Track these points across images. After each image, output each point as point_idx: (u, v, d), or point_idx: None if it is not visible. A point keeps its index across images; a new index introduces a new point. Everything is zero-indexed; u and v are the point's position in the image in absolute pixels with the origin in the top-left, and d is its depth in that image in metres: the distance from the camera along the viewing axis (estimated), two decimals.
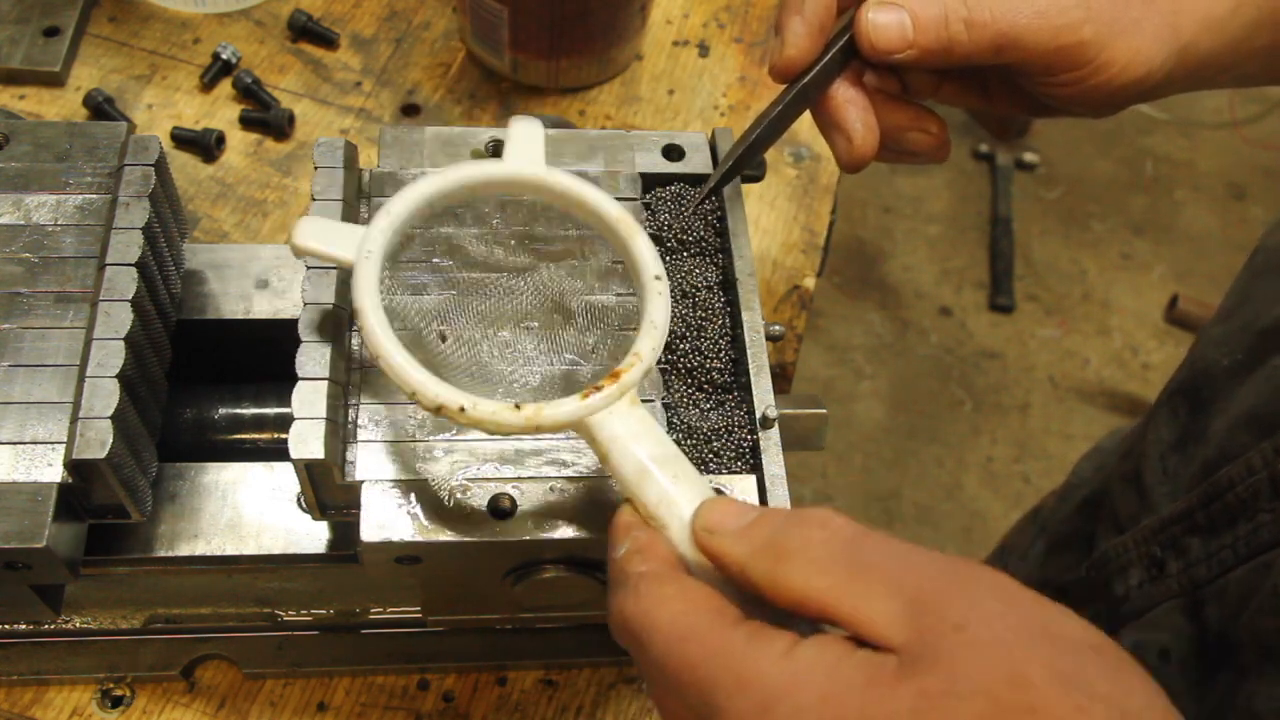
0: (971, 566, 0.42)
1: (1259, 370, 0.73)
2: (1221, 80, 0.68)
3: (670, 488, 0.48)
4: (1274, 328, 0.74)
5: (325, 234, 0.53)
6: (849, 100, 0.64)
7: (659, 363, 0.61)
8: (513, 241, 0.60)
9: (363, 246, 0.51)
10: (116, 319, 0.58)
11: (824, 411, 0.69)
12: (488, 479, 0.56)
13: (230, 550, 0.63)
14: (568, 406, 0.49)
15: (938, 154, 0.68)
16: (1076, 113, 0.66)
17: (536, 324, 0.58)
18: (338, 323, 0.58)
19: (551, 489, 0.57)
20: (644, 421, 0.50)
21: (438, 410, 0.48)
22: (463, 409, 0.48)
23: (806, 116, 0.67)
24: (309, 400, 0.55)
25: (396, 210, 0.53)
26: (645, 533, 0.48)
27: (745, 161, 0.66)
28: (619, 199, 0.66)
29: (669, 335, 0.62)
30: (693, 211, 0.66)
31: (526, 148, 0.57)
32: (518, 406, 0.48)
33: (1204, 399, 0.79)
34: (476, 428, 0.49)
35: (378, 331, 0.49)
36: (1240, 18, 0.64)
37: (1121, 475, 0.88)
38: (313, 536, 0.64)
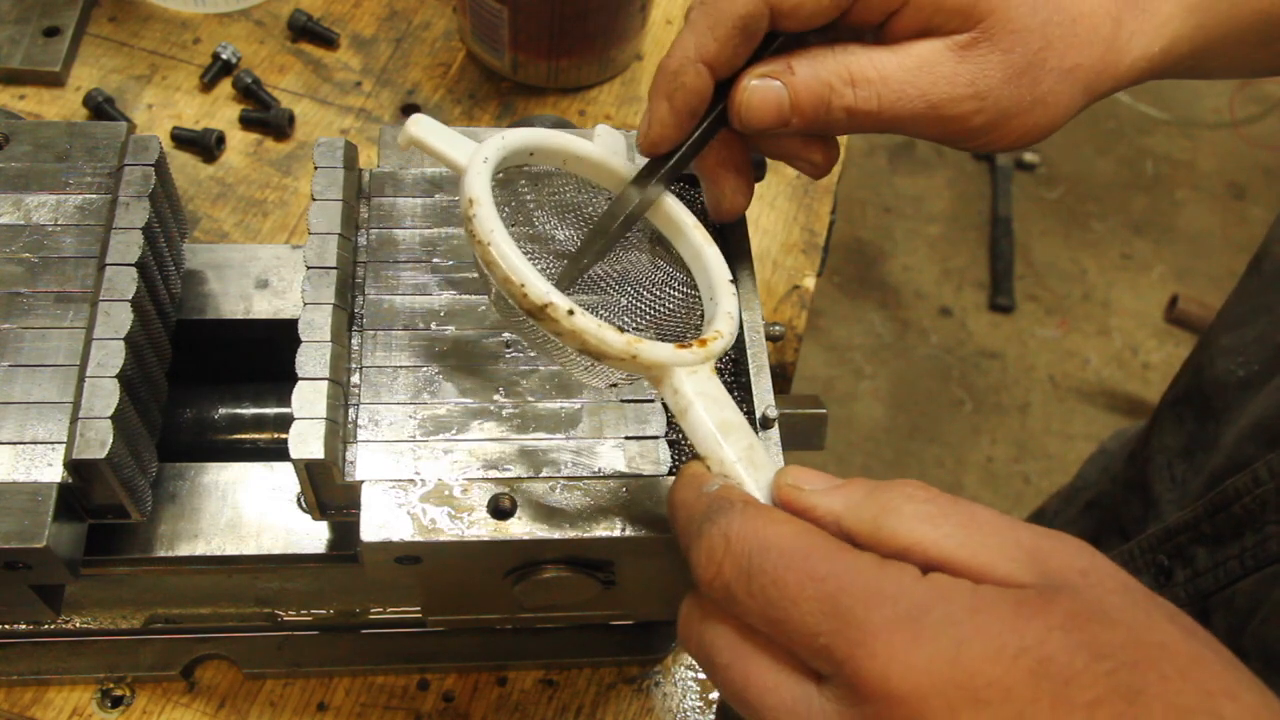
0: (1065, 534, 0.42)
1: (1274, 381, 0.73)
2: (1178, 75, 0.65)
3: (754, 448, 0.48)
4: None
5: (438, 133, 0.54)
6: (722, 162, 0.60)
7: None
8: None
9: (479, 153, 0.53)
10: (116, 319, 0.58)
11: (824, 411, 0.69)
12: (488, 479, 0.56)
13: (230, 550, 0.63)
14: (664, 349, 0.49)
15: (820, 176, 0.63)
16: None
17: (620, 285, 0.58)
18: (338, 323, 0.58)
19: (551, 489, 0.56)
20: (724, 392, 0.51)
21: (543, 309, 0.48)
22: (571, 312, 0.48)
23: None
24: (309, 400, 0.55)
25: (510, 138, 0.55)
26: (731, 482, 0.47)
27: (603, 253, 0.58)
28: None
29: (668, 335, 0.63)
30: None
31: (613, 147, 0.60)
32: (620, 329, 0.49)
33: (1215, 408, 0.79)
34: (572, 339, 0.49)
35: (491, 219, 0.50)
36: (1159, 62, 0.60)
37: (1126, 481, 0.88)
38: (313, 536, 0.64)
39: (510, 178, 0.58)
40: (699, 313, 0.57)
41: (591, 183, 0.60)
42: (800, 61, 0.55)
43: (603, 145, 0.60)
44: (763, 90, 0.55)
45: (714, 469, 0.48)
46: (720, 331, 0.53)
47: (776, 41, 0.56)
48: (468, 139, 0.54)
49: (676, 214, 0.59)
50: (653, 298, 0.58)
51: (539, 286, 0.48)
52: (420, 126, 0.54)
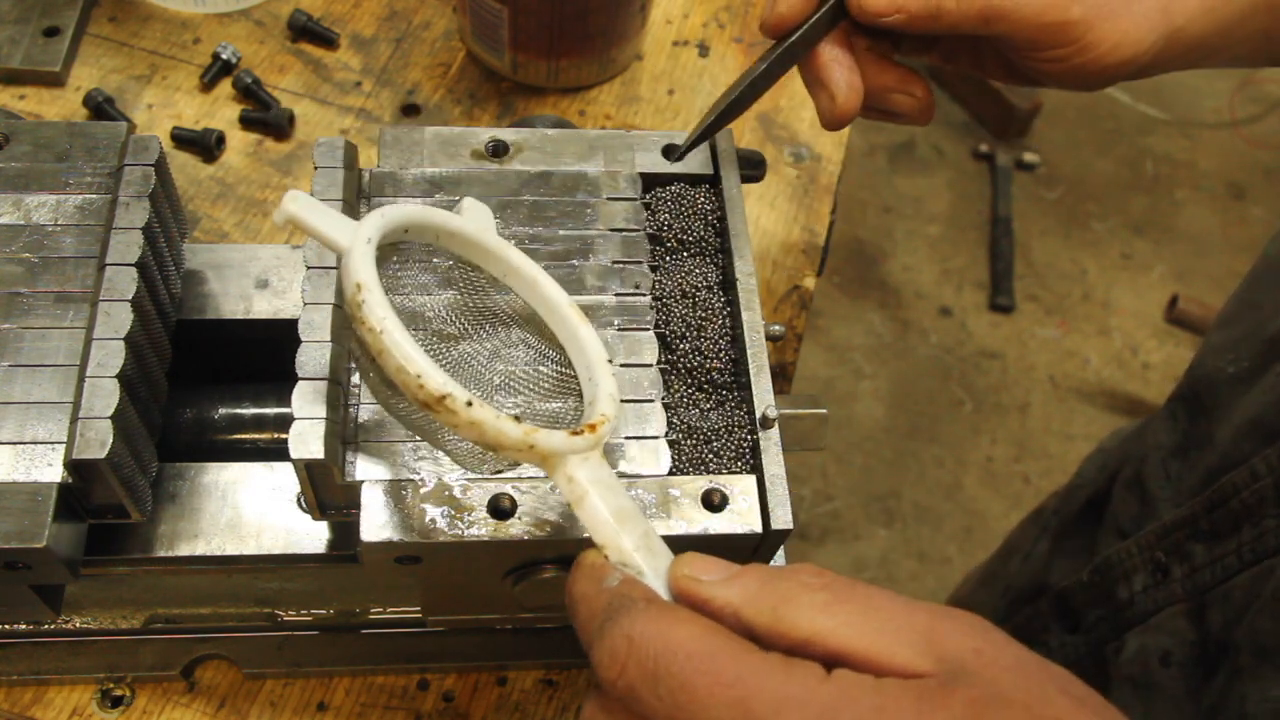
0: (955, 609, 0.43)
1: (1264, 378, 0.73)
2: (1211, 61, 0.68)
3: (649, 535, 0.48)
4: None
5: (317, 211, 0.51)
6: (834, 59, 0.64)
7: (658, 362, 0.62)
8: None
9: (360, 232, 0.51)
10: (116, 319, 0.58)
11: (824, 411, 0.69)
12: (488, 479, 0.56)
13: (230, 550, 0.63)
14: (559, 437, 0.49)
15: (921, 116, 0.68)
16: (1064, 87, 0.67)
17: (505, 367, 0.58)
18: (339, 323, 0.58)
19: (552, 489, 0.56)
20: (615, 477, 0.50)
21: (440, 400, 0.47)
22: (470, 403, 0.47)
23: (805, 118, 0.67)
24: (309, 400, 0.55)
25: (389, 215, 0.54)
26: (630, 572, 0.47)
27: (729, 116, 0.66)
28: (619, 199, 0.67)
29: (669, 335, 0.63)
30: (677, 156, 0.68)
31: (481, 221, 0.59)
32: (517, 419, 0.48)
33: (1207, 406, 0.79)
34: (469, 431, 0.48)
35: (382, 308, 0.48)
36: (1234, 3, 0.64)
37: (1122, 480, 0.88)
38: (313, 536, 0.64)
39: (383, 254, 0.56)
40: (576, 393, 0.57)
41: (461, 258, 0.59)
42: None
43: (471, 220, 0.59)
44: None
45: (612, 558, 0.47)
46: (606, 414, 0.52)
47: None
48: (345, 217, 0.52)
49: (550, 292, 0.58)
50: (527, 377, 0.58)
51: (436, 378, 0.47)
52: (298, 204, 0.51)
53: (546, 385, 0.58)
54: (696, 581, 0.44)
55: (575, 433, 0.50)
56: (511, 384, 0.58)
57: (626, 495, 0.50)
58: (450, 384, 0.47)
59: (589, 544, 0.49)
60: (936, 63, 0.71)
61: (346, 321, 0.60)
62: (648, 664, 0.41)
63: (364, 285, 0.49)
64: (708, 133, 0.66)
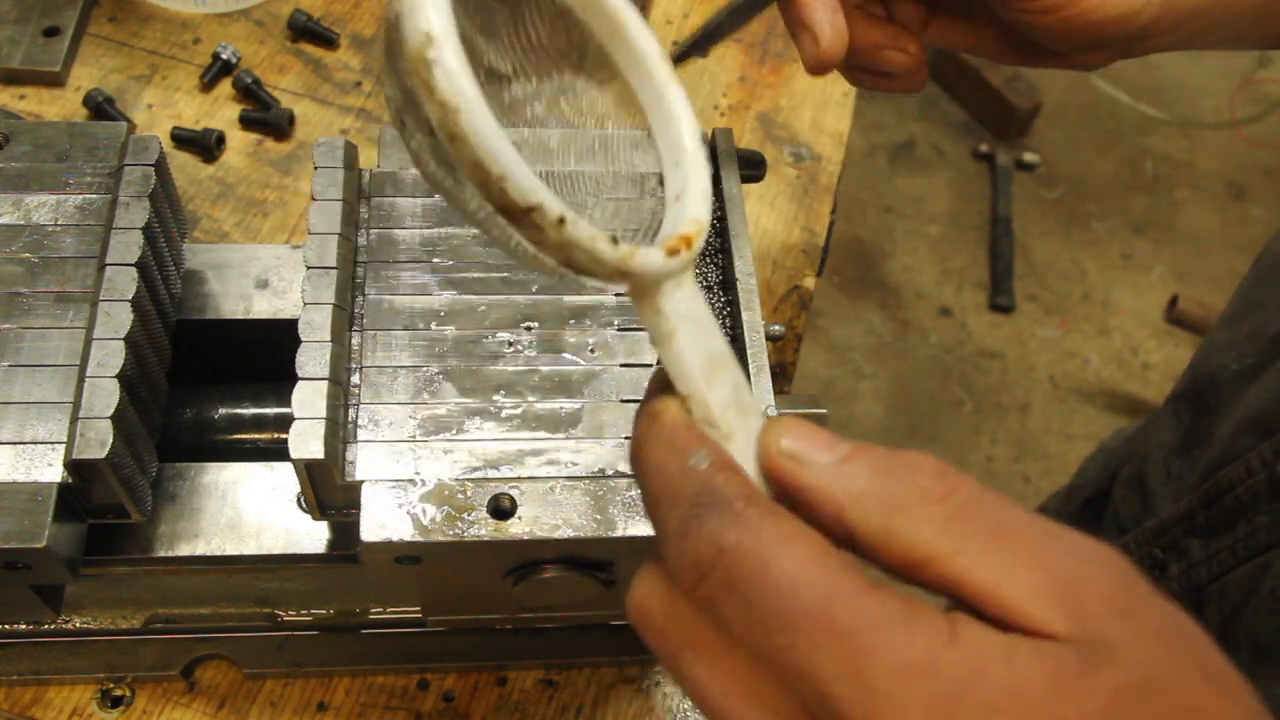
0: (1098, 545, 0.36)
1: (1266, 375, 0.73)
2: (1206, 39, 0.67)
3: (740, 389, 0.39)
4: None
5: None
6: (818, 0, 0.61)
7: (659, 362, 0.62)
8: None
9: None
10: (116, 319, 0.58)
11: (824, 411, 0.68)
12: (488, 479, 0.56)
13: (230, 550, 0.63)
14: (657, 259, 0.38)
15: (913, 79, 0.65)
16: (1053, 45, 0.64)
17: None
18: (339, 323, 0.58)
19: (551, 489, 0.56)
20: (706, 308, 0.40)
21: (526, 212, 0.35)
22: (562, 220, 0.35)
23: (806, 118, 0.67)
24: (309, 400, 0.55)
25: None
26: (723, 448, 0.38)
27: (709, 40, 0.67)
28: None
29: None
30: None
31: None
32: (615, 240, 0.36)
33: (1210, 404, 0.79)
34: (555, 252, 0.36)
35: (463, 76, 0.33)
36: None
37: (1124, 478, 0.88)
38: (313, 536, 0.64)
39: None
40: (653, 184, 0.44)
41: (573, 13, 0.41)
42: None
43: None
44: None
45: (696, 413, 0.38)
46: (698, 220, 0.39)
47: None
48: None
49: (637, 39, 0.41)
50: (599, 164, 0.43)
51: (523, 182, 0.34)
52: None
53: (622, 178, 0.44)
54: (796, 463, 0.37)
55: (671, 250, 0.38)
56: (584, 178, 0.43)
57: (720, 335, 0.40)
58: (541, 191, 0.35)
59: (596, 542, 0.46)
60: (933, 41, 0.70)
61: (348, 311, 0.60)
62: (740, 586, 0.35)
63: (436, 39, 0.33)
64: (686, 54, 0.67)
